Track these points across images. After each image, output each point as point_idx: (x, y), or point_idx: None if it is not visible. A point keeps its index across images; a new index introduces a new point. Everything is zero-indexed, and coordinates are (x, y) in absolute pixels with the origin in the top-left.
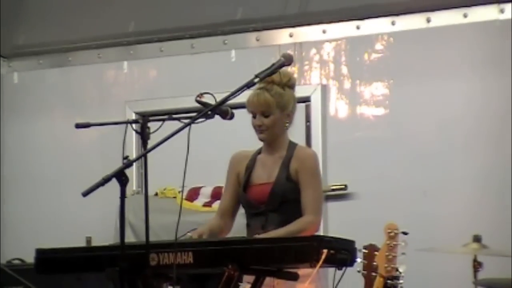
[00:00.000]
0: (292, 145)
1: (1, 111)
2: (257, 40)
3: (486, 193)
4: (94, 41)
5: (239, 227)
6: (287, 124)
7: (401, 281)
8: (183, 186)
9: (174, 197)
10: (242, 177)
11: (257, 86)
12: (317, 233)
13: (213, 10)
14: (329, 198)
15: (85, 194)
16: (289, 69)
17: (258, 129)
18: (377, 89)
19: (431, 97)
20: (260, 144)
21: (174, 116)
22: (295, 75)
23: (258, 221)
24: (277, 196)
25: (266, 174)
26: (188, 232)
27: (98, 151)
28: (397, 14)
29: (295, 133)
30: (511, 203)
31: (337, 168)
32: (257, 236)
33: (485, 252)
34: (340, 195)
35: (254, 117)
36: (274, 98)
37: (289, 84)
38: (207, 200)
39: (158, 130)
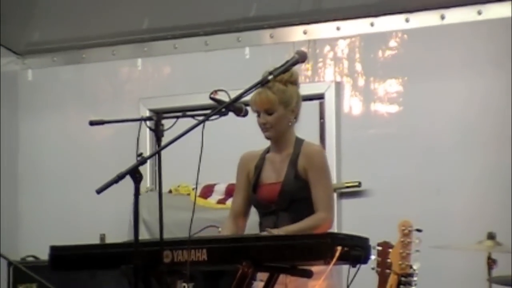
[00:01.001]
0: (299, 142)
1: (17, 109)
2: (271, 37)
3: (500, 190)
4: (108, 38)
5: (253, 224)
6: (292, 120)
7: (415, 278)
8: (197, 183)
9: (188, 194)
10: (252, 177)
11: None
12: (331, 230)
13: (227, 7)
14: (343, 195)
15: (99, 191)
16: (303, 66)
17: (263, 127)
18: (391, 86)
19: (445, 95)
20: (268, 143)
21: (188, 113)
22: (309, 72)
23: (269, 220)
24: (286, 196)
25: (275, 173)
26: (205, 228)
27: (112, 148)
28: (411, 11)
29: (309, 130)
30: None
31: (351, 165)
32: (268, 231)
33: (499, 249)
34: (354, 192)
35: (258, 116)
36: (276, 95)
37: (291, 80)
38: (221, 197)
39: (172, 127)
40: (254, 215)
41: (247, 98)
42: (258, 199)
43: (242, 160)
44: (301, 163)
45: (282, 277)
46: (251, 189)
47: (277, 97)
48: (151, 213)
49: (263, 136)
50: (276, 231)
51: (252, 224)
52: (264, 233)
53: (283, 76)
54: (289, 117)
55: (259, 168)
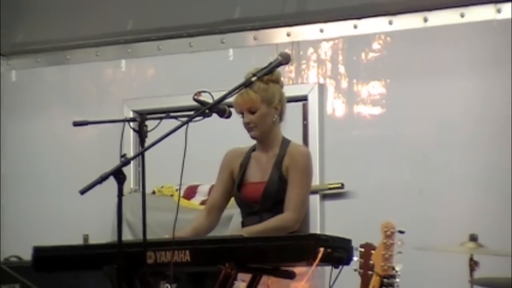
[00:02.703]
0: (286, 142)
1: (0, 109)
2: (255, 39)
3: (482, 192)
4: (92, 40)
5: (238, 225)
6: (275, 117)
7: (397, 280)
8: (180, 184)
9: (172, 195)
10: (236, 175)
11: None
12: (312, 232)
13: (211, 9)
14: (326, 196)
15: (83, 192)
16: (286, 68)
17: (248, 127)
18: (374, 88)
19: (428, 97)
20: (254, 142)
21: (172, 114)
22: (293, 74)
23: (252, 221)
24: (270, 196)
25: (260, 172)
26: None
27: (96, 149)
28: (394, 14)
29: (293, 132)
30: (510, 203)
31: (334, 167)
32: (237, 232)
33: (481, 251)
34: (337, 193)
35: (242, 116)
36: (257, 93)
37: (272, 79)
38: (205, 198)
39: (155, 128)
40: (239, 216)
41: (230, 99)
42: (242, 198)
43: (227, 156)
44: (285, 163)
45: (264, 278)
46: (236, 187)
47: (258, 96)
48: (134, 214)
49: (246, 137)
50: (237, 233)
51: (238, 224)
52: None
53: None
54: (272, 114)
55: (244, 166)
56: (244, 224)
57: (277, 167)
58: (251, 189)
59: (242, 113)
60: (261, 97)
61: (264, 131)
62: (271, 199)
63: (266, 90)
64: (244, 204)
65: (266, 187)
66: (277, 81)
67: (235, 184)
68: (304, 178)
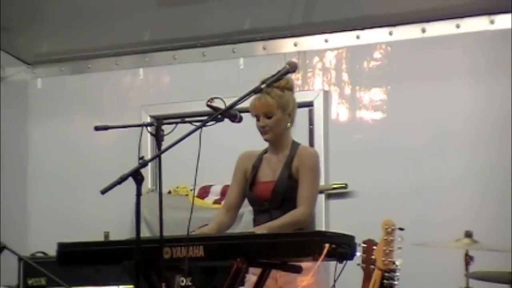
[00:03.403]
0: (295, 145)
1: (27, 114)
2: (264, 48)
3: (477, 192)
4: (112, 49)
5: (248, 222)
6: (289, 124)
7: (397, 274)
8: (194, 185)
9: (186, 195)
10: (249, 175)
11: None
12: (318, 229)
13: (223, 20)
14: (330, 196)
15: (104, 192)
16: (293, 76)
17: (262, 130)
18: (375, 94)
19: (426, 102)
20: (266, 145)
21: (187, 119)
22: (299, 82)
23: (263, 218)
24: (278, 194)
25: (271, 172)
26: (201, 226)
27: (115, 152)
28: (394, 25)
29: (299, 136)
30: (504, 201)
31: (338, 168)
32: (252, 230)
33: (476, 247)
34: (340, 193)
35: (258, 120)
36: (274, 99)
37: (288, 87)
38: (217, 197)
39: (171, 132)
40: (249, 214)
41: (241, 105)
42: (254, 196)
43: (241, 158)
44: (295, 164)
45: (273, 272)
46: (248, 187)
47: (275, 102)
48: (151, 213)
49: (256, 141)
50: (259, 230)
51: (249, 222)
52: (250, 231)
53: (280, 82)
54: (286, 120)
55: (256, 167)
56: (255, 221)
57: (287, 167)
58: (261, 187)
59: (257, 116)
60: (277, 103)
61: (277, 134)
62: (279, 196)
63: (282, 97)
64: (255, 202)
65: (276, 185)
66: (291, 89)
67: (247, 183)
68: (313, 176)
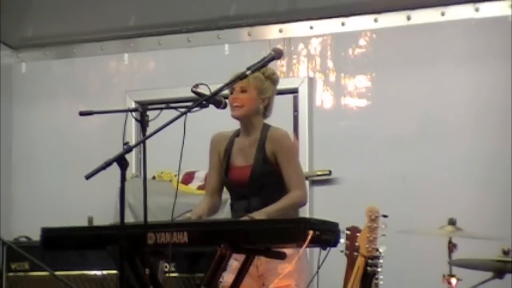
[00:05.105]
0: (266, 127)
1: (11, 99)
2: (249, 35)
3: (460, 179)
4: (97, 34)
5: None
6: (261, 108)
7: (381, 261)
8: (179, 170)
9: (171, 181)
10: (222, 159)
11: None
12: (302, 216)
13: (208, 6)
14: (314, 182)
15: (88, 177)
16: (278, 62)
17: (234, 103)
18: (360, 82)
19: (410, 90)
20: (238, 126)
21: (171, 105)
22: (284, 68)
23: (241, 205)
24: (256, 180)
25: (243, 157)
26: (185, 212)
27: (100, 137)
28: (379, 12)
29: (284, 123)
30: (487, 189)
31: (322, 155)
32: (250, 216)
33: (459, 234)
34: (324, 180)
35: (231, 93)
36: (255, 80)
37: (272, 78)
38: (201, 183)
39: (156, 118)
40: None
41: (226, 91)
42: (230, 182)
43: (213, 140)
44: (268, 147)
45: (254, 259)
46: (223, 172)
47: (254, 82)
48: (136, 198)
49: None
50: (257, 216)
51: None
52: (245, 218)
53: (266, 70)
54: (259, 103)
55: (228, 151)
56: (233, 208)
57: (260, 151)
58: (237, 172)
59: (232, 90)
60: (255, 84)
61: (247, 114)
62: (258, 182)
63: (262, 82)
64: (232, 188)
65: (252, 170)
66: (274, 82)
67: (222, 167)
68: (292, 157)
